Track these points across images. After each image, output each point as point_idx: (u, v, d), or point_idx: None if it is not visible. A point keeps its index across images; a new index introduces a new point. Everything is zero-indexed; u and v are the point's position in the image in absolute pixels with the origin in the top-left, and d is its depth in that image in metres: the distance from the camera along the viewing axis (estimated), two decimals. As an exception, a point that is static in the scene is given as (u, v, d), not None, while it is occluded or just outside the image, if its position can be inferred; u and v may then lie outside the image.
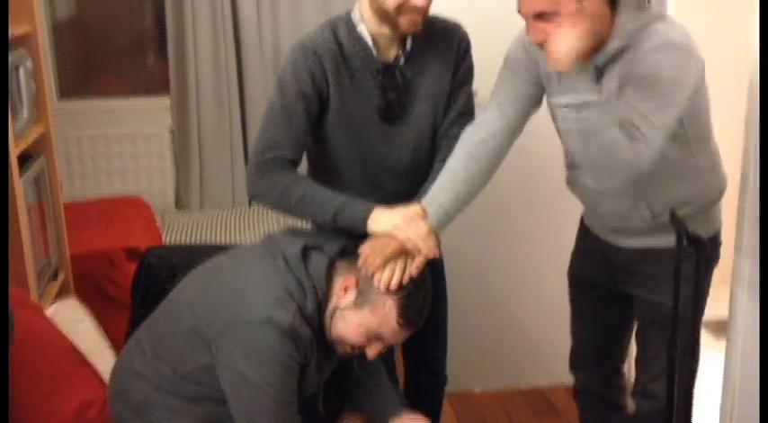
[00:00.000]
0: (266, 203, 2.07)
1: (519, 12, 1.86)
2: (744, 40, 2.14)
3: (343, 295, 1.83)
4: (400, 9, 1.95)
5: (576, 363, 2.41)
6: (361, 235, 1.94)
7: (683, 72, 1.81)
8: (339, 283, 1.85)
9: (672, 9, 2.55)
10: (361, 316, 1.82)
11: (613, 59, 1.87)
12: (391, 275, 1.82)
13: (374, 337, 1.84)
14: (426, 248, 1.87)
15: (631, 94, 1.83)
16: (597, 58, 1.88)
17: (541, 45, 1.84)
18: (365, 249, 1.87)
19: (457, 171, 2.01)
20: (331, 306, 1.84)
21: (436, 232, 1.93)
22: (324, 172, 2.17)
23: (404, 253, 1.86)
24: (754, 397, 2.13)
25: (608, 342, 2.35)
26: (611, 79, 1.88)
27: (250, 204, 3.93)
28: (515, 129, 2.08)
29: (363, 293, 1.82)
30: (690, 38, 1.86)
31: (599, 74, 1.90)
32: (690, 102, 1.86)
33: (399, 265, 1.85)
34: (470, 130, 2.07)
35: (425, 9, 1.97)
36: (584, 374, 2.40)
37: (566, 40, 1.79)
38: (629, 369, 2.91)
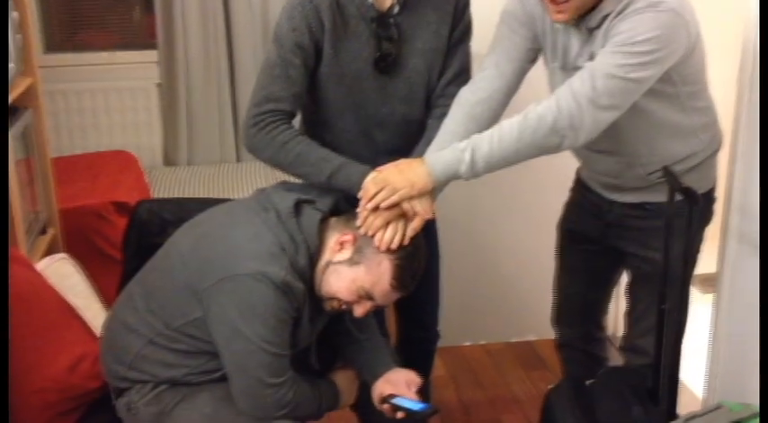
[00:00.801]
0: (262, 158, 2.06)
1: None
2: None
3: (338, 250, 1.83)
4: None
5: (559, 317, 2.43)
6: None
7: (667, 32, 1.80)
8: (334, 238, 1.85)
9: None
10: (354, 272, 1.83)
11: (602, 21, 1.86)
12: (393, 236, 1.83)
13: (365, 295, 1.84)
14: (423, 210, 1.87)
15: (603, 49, 1.83)
16: (589, 20, 1.87)
17: (558, 4, 1.83)
18: (365, 196, 1.86)
19: (456, 132, 1.99)
20: (324, 260, 1.84)
21: (435, 192, 1.93)
22: (316, 122, 2.15)
23: (403, 214, 1.86)
24: (742, 352, 2.16)
25: (592, 295, 2.37)
26: (599, 41, 1.87)
27: (238, 160, 3.91)
28: (513, 86, 2.07)
29: (360, 251, 1.83)
30: (684, 3, 1.84)
31: (590, 34, 1.89)
32: (676, 62, 1.84)
33: (401, 225, 1.85)
34: (468, 89, 2.06)
35: None
36: (566, 329, 2.43)
37: None
38: (616, 324, 2.95)
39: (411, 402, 1.92)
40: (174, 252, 1.91)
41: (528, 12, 2.00)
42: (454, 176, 1.88)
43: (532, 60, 2.07)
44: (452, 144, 1.92)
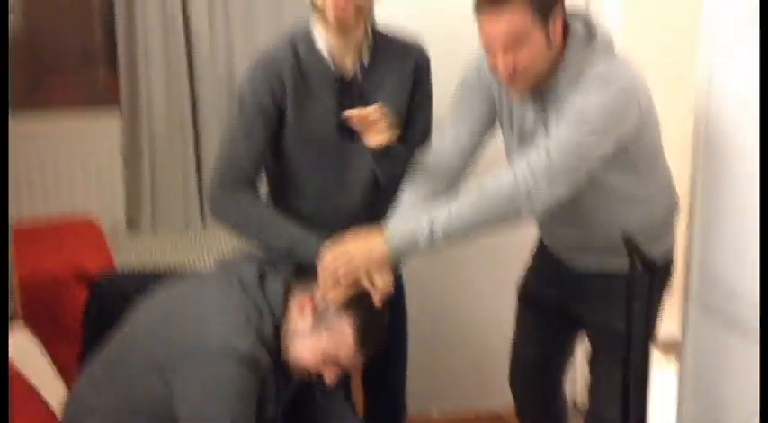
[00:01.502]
0: (224, 224, 2.06)
1: (484, 45, 1.86)
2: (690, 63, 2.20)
3: (299, 315, 1.82)
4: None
5: (514, 382, 2.42)
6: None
7: (618, 106, 1.83)
8: (296, 300, 1.84)
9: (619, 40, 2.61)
10: (316, 339, 1.82)
11: (555, 92, 1.89)
12: (344, 293, 1.83)
13: (330, 360, 1.83)
14: (382, 284, 1.87)
15: (557, 122, 1.86)
16: (543, 91, 1.91)
17: (510, 74, 1.86)
18: (323, 269, 1.86)
19: (416, 199, 2.01)
20: (288, 328, 1.83)
21: (394, 265, 1.92)
22: (282, 185, 2.16)
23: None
24: (706, 415, 2.17)
25: (548, 361, 2.37)
26: (553, 113, 1.91)
27: (203, 226, 3.88)
28: (473, 151, 2.09)
29: (320, 315, 1.82)
30: (632, 74, 1.88)
31: (544, 107, 1.93)
32: (630, 134, 1.87)
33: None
34: (429, 155, 2.08)
35: None
36: (523, 395, 2.42)
37: (530, 64, 1.83)
38: (580, 392, 2.95)
39: None
40: (136, 327, 1.89)
41: (484, 80, 2.04)
42: (413, 248, 1.88)
43: (490, 126, 2.10)
44: (412, 213, 1.94)
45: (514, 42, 1.80)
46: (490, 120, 2.09)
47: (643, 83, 1.91)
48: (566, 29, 1.88)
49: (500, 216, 1.86)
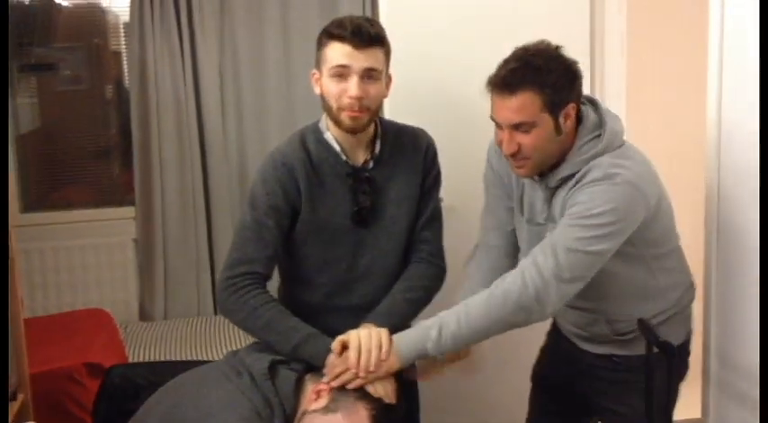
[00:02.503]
0: (233, 321, 2.05)
1: (493, 119, 1.88)
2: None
3: (314, 399, 1.79)
4: (340, 106, 1.98)
5: None
6: None
7: (624, 205, 1.82)
8: (309, 389, 1.81)
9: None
10: (330, 420, 1.77)
11: (562, 183, 1.90)
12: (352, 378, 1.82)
13: None
14: (385, 394, 1.85)
15: (562, 220, 1.86)
16: (549, 180, 1.92)
17: (513, 155, 1.87)
18: (330, 367, 1.85)
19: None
20: (299, 410, 1.80)
21: (393, 370, 1.88)
22: (294, 279, 2.15)
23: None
24: None
25: None
26: (557, 202, 1.91)
27: (216, 314, 3.87)
28: (514, 240, 2.12)
29: (336, 399, 1.79)
30: (639, 170, 1.86)
31: (551, 194, 1.94)
32: (641, 229, 1.87)
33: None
34: (477, 263, 2.14)
35: (361, 100, 1.97)
36: None
37: (536, 149, 1.84)
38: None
39: None
40: (144, 421, 1.86)
41: (496, 171, 2.06)
42: (421, 354, 1.87)
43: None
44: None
45: (521, 127, 1.83)
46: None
47: (652, 176, 1.91)
48: (578, 114, 1.89)
49: (510, 321, 1.85)
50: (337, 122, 2.02)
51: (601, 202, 1.80)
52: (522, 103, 1.81)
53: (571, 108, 1.86)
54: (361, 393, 1.81)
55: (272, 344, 1.97)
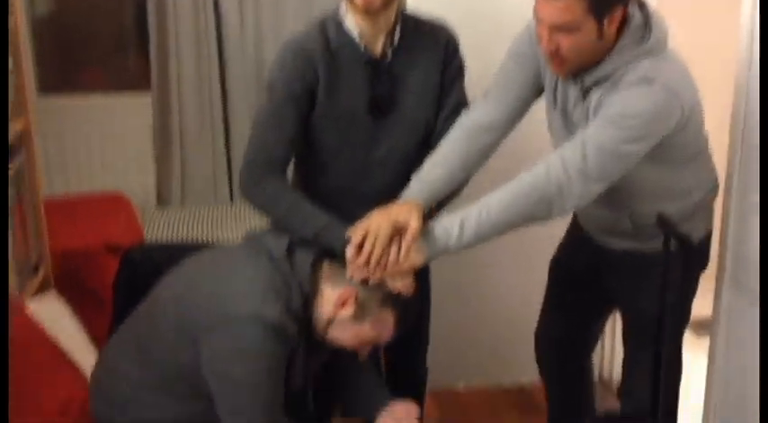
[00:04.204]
0: (254, 206, 2.09)
1: (536, 17, 1.84)
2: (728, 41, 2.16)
3: (341, 307, 1.82)
4: None
5: (540, 355, 2.40)
6: None
7: (660, 109, 1.80)
8: (335, 293, 1.83)
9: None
10: (360, 327, 1.84)
11: (598, 83, 1.87)
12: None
13: (369, 343, 1.88)
14: (403, 287, 1.87)
15: (595, 120, 1.83)
16: (586, 78, 1.88)
17: (552, 54, 1.83)
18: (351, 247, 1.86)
19: (451, 153, 2.01)
20: (325, 314, 1.83)
21: (417, 266, 1.90)
22: (310, 165, 2.16)
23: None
24: (738, 397, 2.15)
25: (575, 335, 2.35)
26: (591, 101, 1.89)
27: (231, 200, 3.91)
28: (514, 118, 2.08)
29: (363, 306, 1.82)
30: (677, 77, 1.84)
31: (586, 92, 1.90)
32: (673, 134, 1.84)
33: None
34: (469, 114, 2.07)
35: None
36: (550, 366, 2.41)
37: (575, 52, 1.80)
38: (612, 368, 2.93)
39: None
40: (165, 295, 1.90)
41: (535, 50, 2.01)
42: (443, 250, 1.88)
43: (535, 96, 2.08)
44: (446, 160, 1.93)
45: (562, 28, 1.78)
46: (537, 89, 2.07)
47: (689, 83, 1.87)
48: (624, 16, 1.83)
49: (531, 214, 1.84)
50: (352, 3, 1.98)
51: (637, 103, 1.78)
52: (568, 4, 1.75)
53: (619, 12, 1.80)
54: (385, 296, 1.84)
55: (292, 230, 1.98)
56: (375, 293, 1.84)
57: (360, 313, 1.82)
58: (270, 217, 2.08)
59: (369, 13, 1.99)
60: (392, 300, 1.84)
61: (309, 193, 2.09)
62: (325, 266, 1.88)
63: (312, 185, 2.16)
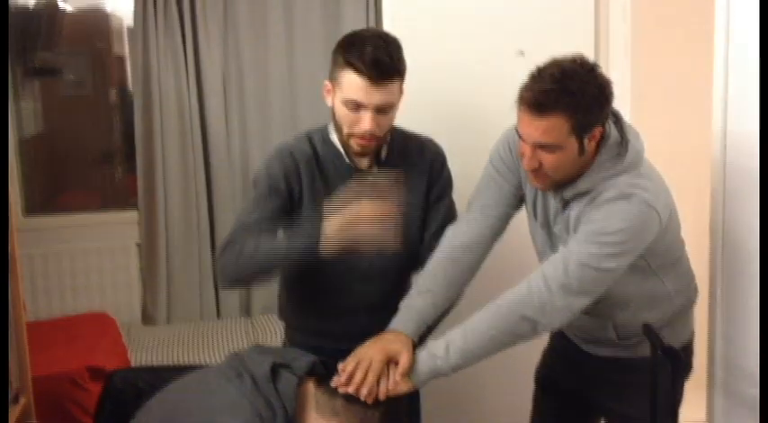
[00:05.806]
0: (232, 274, 2.05)
1: (519, 134, 1.86)
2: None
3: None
4: (351, 133, 1.99)
5: None
6: (329, 351, 1.90)
7: (638, 224, 1.81)
8: (311, 393, 1.80)
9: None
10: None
11: (576, 197, 1.89)
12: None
13: None
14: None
15: (576, 236, 1.85)
16: (565, 192, 1.91)
17: (534, 171, 1.86)
18: (343, 369, 1.83)
19: (437, 274, 2.01)
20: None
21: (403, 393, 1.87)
22: (296, 273, 2.14)
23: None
24: None
25: None
26: (571, 214, 1.91)
27: (218, 317, 3.88)
28: (498, 232, 2.08)
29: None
30: (656, 189, 1.86)
31: (566, 204, 1.93)
32: (648, 248, 1.86)
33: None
34: (452, 233, 2.07)
35: (374, 133, 1.98)
36: None
37: (557, 169, 1.83)
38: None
39: None
40: (148, 423, 1.85)
41: (516, 162, 2.02)
42: (434, 373, 1.85)
43: (517, 207, 2.09)
44: (431, 287, 1.94)
45: (545, 147, 1.81)
46: (518, 200, 2.08)
47: (665, 193, 1.90)
48: (602, 132, 1.86)
49: (516, 332, 1.84)
50: (346, 145, 2.03)
51: (616, 220, 1.80)
52: (551, 126, 1.77)
53: (598, 130, 1.83)
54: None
55: (266, 261, 1.97)
56: None
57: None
58: (246, 268, 2.01)
59: (365, 155, 2.05)
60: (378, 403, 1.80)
61: (297, 311, 2.12)
62: (311, 389, 1.85)
63: (299, 301, 2.18)
